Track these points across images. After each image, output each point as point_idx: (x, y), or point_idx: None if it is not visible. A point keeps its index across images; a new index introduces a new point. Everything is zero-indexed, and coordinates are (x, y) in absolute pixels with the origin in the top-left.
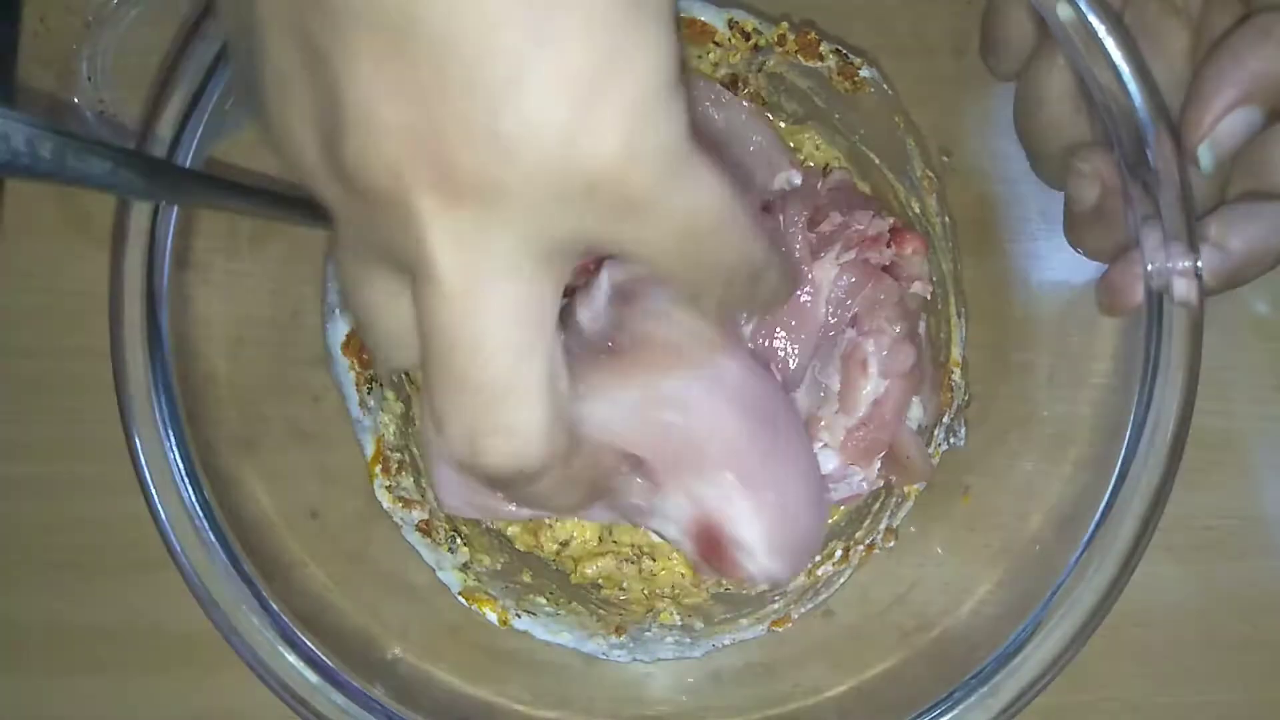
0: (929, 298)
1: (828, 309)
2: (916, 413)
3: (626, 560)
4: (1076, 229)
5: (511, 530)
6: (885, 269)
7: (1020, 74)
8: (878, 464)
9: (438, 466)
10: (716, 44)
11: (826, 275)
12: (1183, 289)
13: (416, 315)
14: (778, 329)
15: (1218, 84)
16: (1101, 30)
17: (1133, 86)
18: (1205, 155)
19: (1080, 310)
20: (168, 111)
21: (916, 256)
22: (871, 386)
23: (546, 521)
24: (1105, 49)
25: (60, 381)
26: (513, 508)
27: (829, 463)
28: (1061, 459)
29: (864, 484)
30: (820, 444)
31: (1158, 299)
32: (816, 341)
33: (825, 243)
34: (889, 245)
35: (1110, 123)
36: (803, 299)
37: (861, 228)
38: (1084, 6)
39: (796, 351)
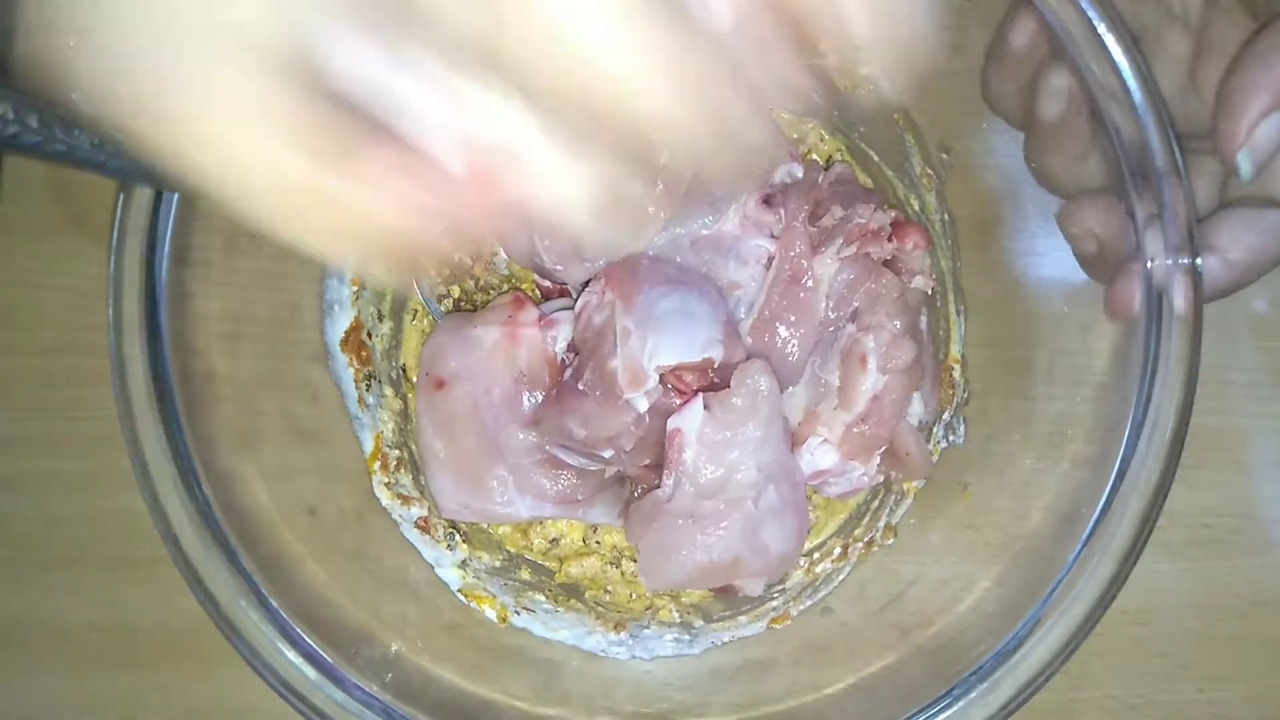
0: (930, 293)
1: (828, 304)
2: (917, 409)
3: (610, 563)
4: (1084, 266)
5: (502, 531)
6: (886, 263)
7: (1029, 126)
8: (877, 460)
9: (435, 473)
10: None
11: (827, 270)
12: (1182, 288)
13: None
14: (777, 324)
15: (1248, 92)
16: (1103, 28)
17: (1134, 88)
18: (1245, 163)
19: (1079, 308)
20: None
21: (918, 251)
22: (871, 382)
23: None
24: (1108, 52)
25: (58, 378)
26: (508, 510)
27: (828, 458)
28: (1060, 457)
29: (863, 479)
30: (820, 439)
31: (1157, 298)
32: (816, 336)
33: (826, 237)
34: (890, 239)
35: (1112, 125)
36: (802, 294)
37: (863, 221)
38: (1086, 8)
39: (796, 346)
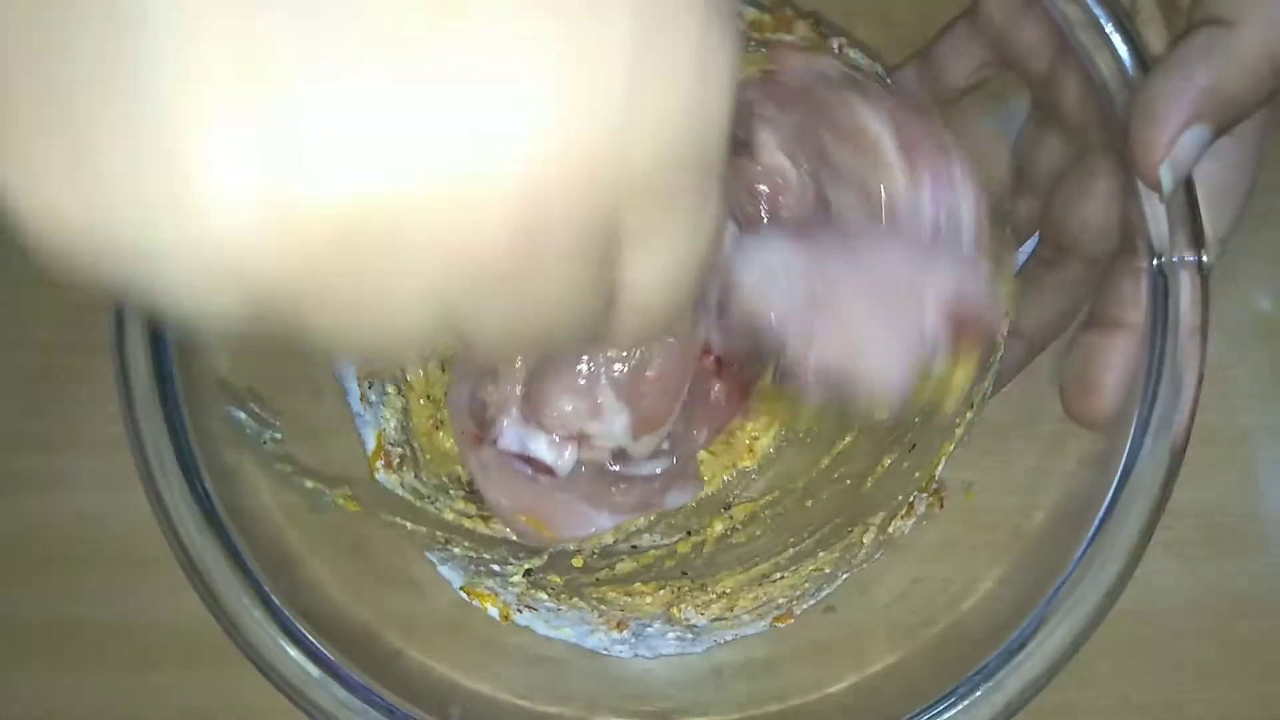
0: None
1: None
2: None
3: None
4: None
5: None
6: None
7: None
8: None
9: (511, 523)
10: None
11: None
12: (1187, 286)
13: None
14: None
15: (1170, 102)
16: (1112, 31)
17: (1139, 79)
18: (1167, 176)
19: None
20: None
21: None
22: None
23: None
24: (1110, 41)
25: (59, 375)
26: (589, 530)
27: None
28: (1065, 455)
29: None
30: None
31: (1162, 294)
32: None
33: None
34: None
35: (1117, 124)
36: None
37: None
38: (1090, 3)
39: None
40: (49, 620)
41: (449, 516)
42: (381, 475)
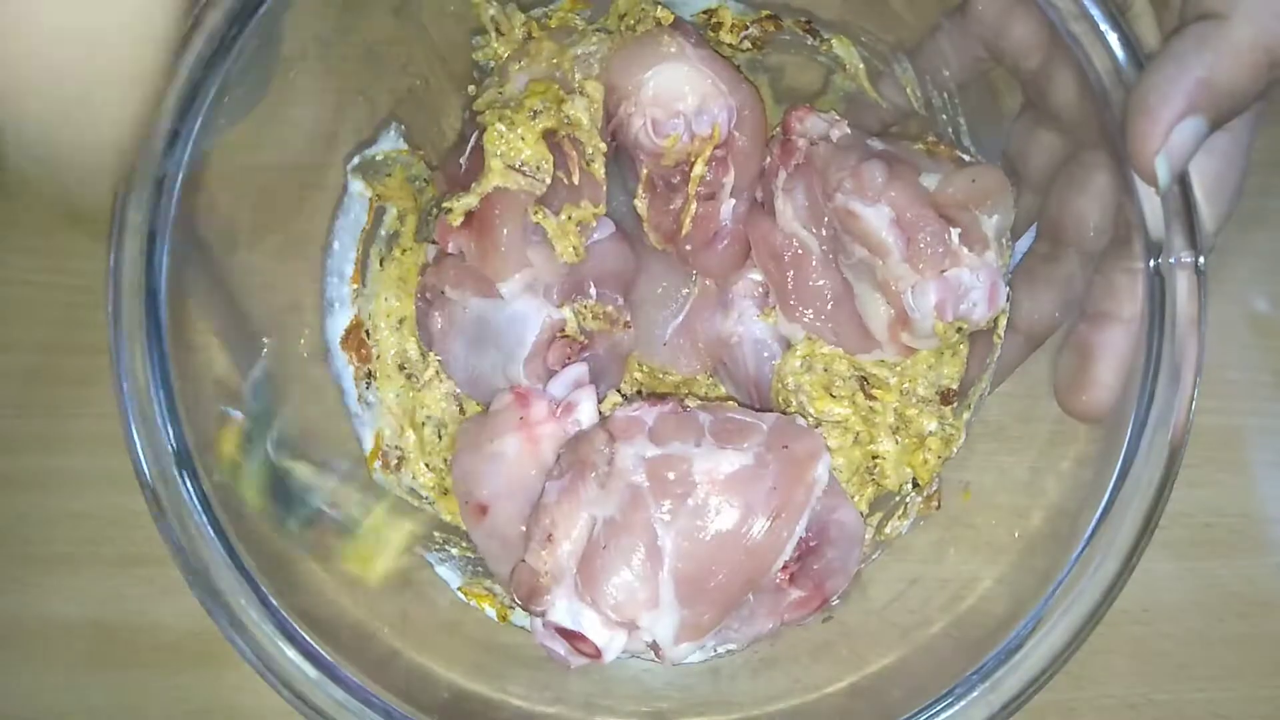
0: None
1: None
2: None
3: None
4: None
5: None
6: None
7: None
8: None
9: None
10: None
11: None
12: (1184, 287)
13: None
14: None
15: (1165, 94)
16: (1105, 25)
17: (1132, 74)
18: (1163, 168)
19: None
20: (166, 104)
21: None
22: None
23: None
24: (1103, 36)
25: (57, 376)
26: None
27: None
28: (1062, 456)
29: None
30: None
31: (1159, 296)
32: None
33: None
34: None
35: (1112, 118)
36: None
37: None
38: (1087, 2)
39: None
40: (45, 620)
41: (447, 517)
42: (379, 476)
